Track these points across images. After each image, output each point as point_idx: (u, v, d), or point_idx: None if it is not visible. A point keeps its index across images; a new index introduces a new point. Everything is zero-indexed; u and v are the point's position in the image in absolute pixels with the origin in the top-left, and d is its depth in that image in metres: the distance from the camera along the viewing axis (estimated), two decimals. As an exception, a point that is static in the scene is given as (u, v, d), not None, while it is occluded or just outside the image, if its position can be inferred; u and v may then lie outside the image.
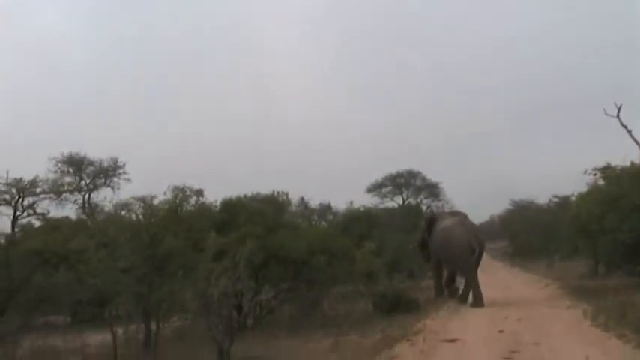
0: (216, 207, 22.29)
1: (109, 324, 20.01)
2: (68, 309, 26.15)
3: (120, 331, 21.05)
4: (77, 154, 42.16)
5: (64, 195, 36.03)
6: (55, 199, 16.25)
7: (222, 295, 16.08)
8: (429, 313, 22.62)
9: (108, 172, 42.46)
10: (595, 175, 29.94)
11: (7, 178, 14.89)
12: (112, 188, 42.30)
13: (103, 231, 20.41)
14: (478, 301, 25.55)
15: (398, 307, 24.09)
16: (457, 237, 27.31)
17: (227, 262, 16.25)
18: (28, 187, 14.49)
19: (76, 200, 39.82)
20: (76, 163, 42.19)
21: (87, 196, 41.33)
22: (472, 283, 26.55)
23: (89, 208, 39.93)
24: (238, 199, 23.88)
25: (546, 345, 14.81)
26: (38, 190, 15.06)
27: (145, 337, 19.47)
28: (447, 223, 28.82)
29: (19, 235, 15.85)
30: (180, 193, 19.91)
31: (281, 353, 17.40)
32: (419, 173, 70.31)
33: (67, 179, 40.82)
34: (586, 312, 19.53)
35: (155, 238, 19.47)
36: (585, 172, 29.84)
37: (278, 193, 25.09)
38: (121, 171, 42.57)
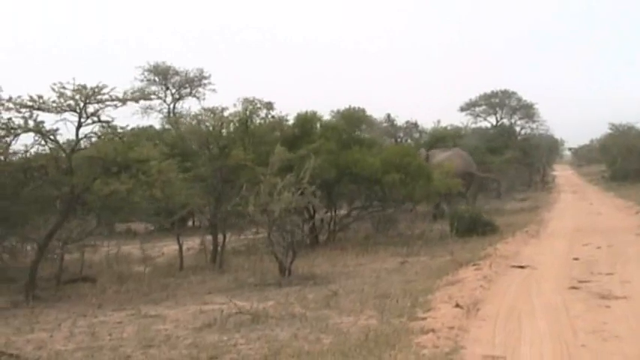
0: (287, 120, 21.77)
1: (189, 234, 20.22)
2: (151, 217, 26.48)
3: (196, 242, 21.35)
4: (163, 62, 42.33)
5: (149, 104, 36.53)
6: (120, 107, 15.87)
7: (285, 211, 15.80)
8: (506, 237, 21.87)
9: (193, 82, 42.42)
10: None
11: (73, 84, 14.70)
12: (198, 98, 42.32)
13: (171, 141, 20.34)
14: None
15: (475, 229, 23.42)
16: (457, 165, 30.98)
17: (291, 177, 15.93)
18: (91, 93, 14.28)
19: (161, 109, 40.18)
20: (161, 72, 42.28)
21: (172, 105, 41.62)
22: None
23: (174, 117, 40.10)
24: (313, 113, 23.27)
25: (619, 276, 13.99)
26: (104, 97, 14.82)
27: (213, 249, 19.50)
28: (444, 155, 32.97)
29: (86, 143, 15.69)
30: (250, 106, 19.44)
31: (345, 272, 17.07)
32: (514, 93, 67.73)
33: (153, 88, 41.21)
34: (672, 244, 18.50)
35: (224, 150, 19.27)
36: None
37: (354, 108, 24.28)
38: (206, 81, 42.48)
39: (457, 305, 11.04)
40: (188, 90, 42.78)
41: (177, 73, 42.55)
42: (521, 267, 15.65)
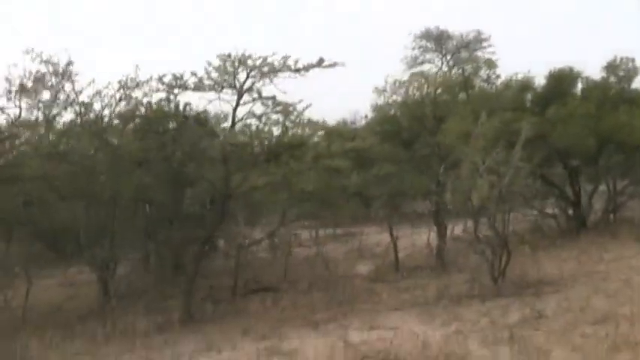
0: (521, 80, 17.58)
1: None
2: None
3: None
4: (437, 27, 38.73)
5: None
6: (289, 77, 13.00)
7: (489, 200, 11.97)
8: None
9: (470, 46, 38.38)
10: None
11: (235, 55, 12.28)
12: (477, 64, 38.27)
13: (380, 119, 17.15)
14: None
15: None
16: None
17: (497, 154, 12.03)
18: (237, 63, 11.70)
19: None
20: (435, 38, 38.80)
21: (449, 73, 38.13)
22: None
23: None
24: (570, 68, 18.57)
25: None
26: (272, 66, 12.25)
27: (438, 244, 16.25)
28: None
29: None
30: (470, 65, 15.74)
31: (591, 272, 12.86)
32: None
33: (428, 56, 38.26)
34: None
35: (441, 122, 15.59)
36: None
37: (621, 59, 19.12)
38: (485, 44, 38.19)
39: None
40: (466, 54, 38.61)
41: (450, 37, 38.68)
42: None
